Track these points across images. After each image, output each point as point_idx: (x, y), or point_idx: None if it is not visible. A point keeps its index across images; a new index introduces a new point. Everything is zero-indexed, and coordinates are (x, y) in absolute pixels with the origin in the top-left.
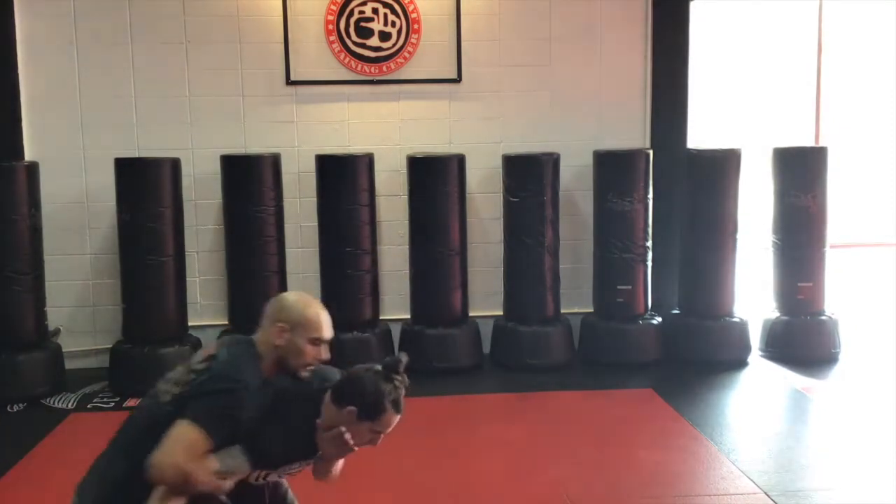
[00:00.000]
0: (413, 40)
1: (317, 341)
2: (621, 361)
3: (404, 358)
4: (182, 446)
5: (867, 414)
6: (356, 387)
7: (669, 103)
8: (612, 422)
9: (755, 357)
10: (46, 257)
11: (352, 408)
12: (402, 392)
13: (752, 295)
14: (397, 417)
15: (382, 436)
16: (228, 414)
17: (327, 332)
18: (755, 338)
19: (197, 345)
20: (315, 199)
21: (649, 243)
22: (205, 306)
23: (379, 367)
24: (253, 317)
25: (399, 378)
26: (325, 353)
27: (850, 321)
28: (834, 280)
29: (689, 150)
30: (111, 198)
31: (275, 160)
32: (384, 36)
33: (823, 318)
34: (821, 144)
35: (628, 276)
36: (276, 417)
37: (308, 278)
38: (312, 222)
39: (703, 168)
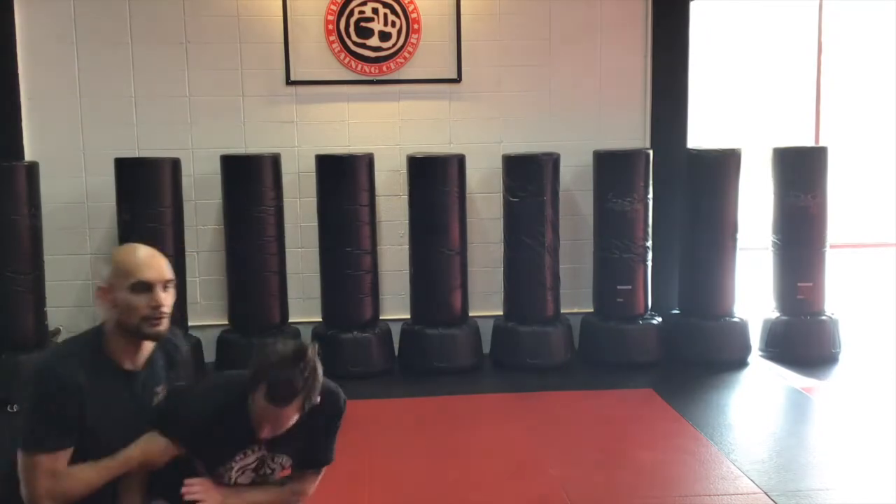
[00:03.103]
0: (413, 40)
1: (139, 286)
2: (621, 361)
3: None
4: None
5: (867, 414)
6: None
7: (669, 103)
8: (612, 422)
9: (755, 357)
10: (46, 257)
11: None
12: (299, 383)
13: (752, 295)
14: (279, 410)
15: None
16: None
17: (149, 272)
18: (755, 338)
19: (197, 345)
20: (315, 199)
21: (649, 243)
22: (205, 306)
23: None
24: (253, 317)
25: (302, 364)
26: (160, 298)
27: (850, 321)
28: (834, 280)
29: (689, 150)
30: (111, 198)
31: (275, 160)
32: (384, 36)
33: (823, 318)
34: (821, 144)
35: (628, 276)
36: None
37: (308, 278)
38: (312, 222)
39: (703, 168)
